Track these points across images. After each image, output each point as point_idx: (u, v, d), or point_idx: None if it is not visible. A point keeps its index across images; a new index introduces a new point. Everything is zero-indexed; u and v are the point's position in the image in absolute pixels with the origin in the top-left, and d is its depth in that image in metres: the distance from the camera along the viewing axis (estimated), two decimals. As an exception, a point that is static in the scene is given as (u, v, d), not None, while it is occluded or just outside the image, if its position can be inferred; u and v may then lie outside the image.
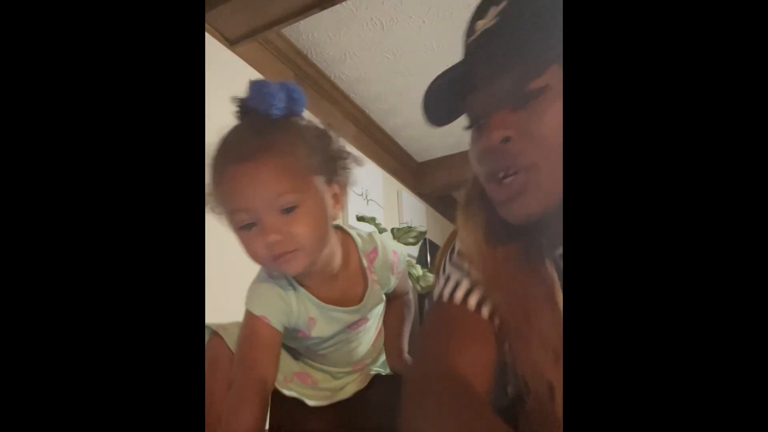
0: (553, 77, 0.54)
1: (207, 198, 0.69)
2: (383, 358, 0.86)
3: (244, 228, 0.65)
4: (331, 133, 0.70)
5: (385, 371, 0.85)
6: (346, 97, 2.83)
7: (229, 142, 0.67)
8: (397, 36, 2.39)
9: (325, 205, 0.67)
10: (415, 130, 3.23)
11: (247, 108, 0.66)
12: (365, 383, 0.82)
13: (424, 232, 2.85)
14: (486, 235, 0.60)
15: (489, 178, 0.58)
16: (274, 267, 0.68)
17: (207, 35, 1.94)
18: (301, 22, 2.09)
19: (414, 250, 3.11)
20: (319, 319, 0.73)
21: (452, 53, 2.46)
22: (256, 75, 2.17)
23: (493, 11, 0.57)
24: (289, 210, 0.63)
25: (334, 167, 0.68)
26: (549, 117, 0.53)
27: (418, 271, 2.70)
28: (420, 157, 3.64)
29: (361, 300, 0.75)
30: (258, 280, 0.74)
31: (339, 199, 0.69)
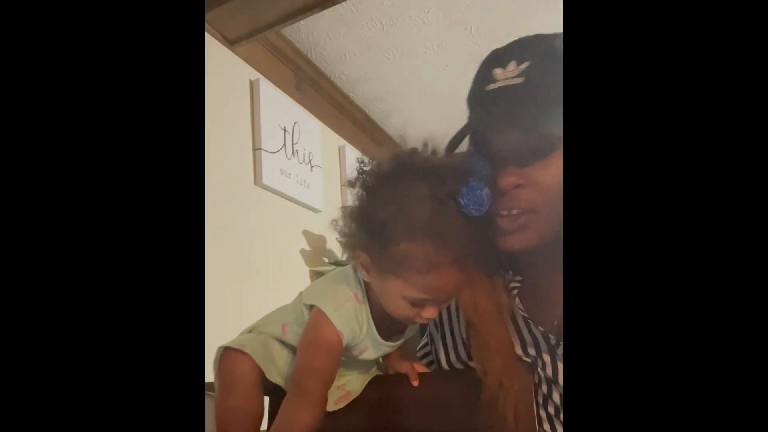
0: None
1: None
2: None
3: (411, 302, 0.68)
4: None
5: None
6: (346, 97, 2.82)
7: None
8: (397, 36, 2.39)
9: None
10: (415, 130, 3.23)
11: (460, 205, 0.64)
12: (370, 377, 0.83)
13: (424, 232, 2.84)
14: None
15: (493, 213, 0.66)
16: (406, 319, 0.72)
17: (207, 35, 1.94)
18: (301, 22, 2.09)
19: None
20: (369, 348, 0.76)
21: (452, 53, 2.45)
22: (256, 75, 2.17)
23: (514, 66, 0.64)
24: (446, 299, 0.72)
25: None
26: (555, 170, 0.64)
27: (418, 271, 2.69)
28: (420, 157, 3.63)
29: (403, 330, 0.79)
30: (344, 294, 0.73)
31: None
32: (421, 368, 0.81)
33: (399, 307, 0.69)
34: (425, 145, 0.69)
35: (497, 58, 0.68)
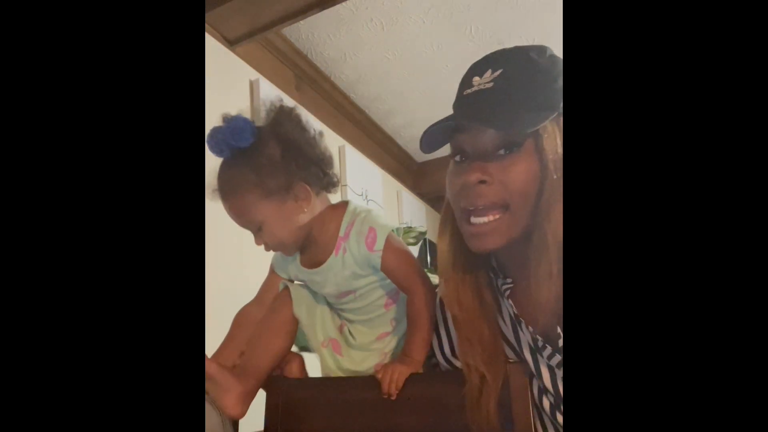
0: (529, 141, 0.68)
1: None
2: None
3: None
4: (272, 148, 0.83)
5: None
6: (346, 97, 2.83)
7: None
8: (397, 36, 2.40)
9: (283, 216, 0.84)
10: (415, 130, 3.23)
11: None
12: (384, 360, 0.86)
13: (424, 233, 2.85)
14: (454, 259, 0.77)
15: (462, 214, 0.72)
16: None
17: (207, 35, 1.94)
18: (301, 22, 2.09)
19: (414, 251, 3.12)
20: (306, 280, 0.91)
21: (452, 53, 2.45)
22: (256, 75, 2.17)
23: (489, 74, 0.71)
24: (258, 229, 0.85)
25: (287, 178, 0.82)
26: (520, 168, 0.68)
27: (418, 270, 2.70)
28: (420, 157, 3.65)
29: (323, 263, 0.86)
30: None
31: (300, 198, 0.84)
32: (402, 377, 0.79)
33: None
34: None
35: (478, 67, 0.74)
